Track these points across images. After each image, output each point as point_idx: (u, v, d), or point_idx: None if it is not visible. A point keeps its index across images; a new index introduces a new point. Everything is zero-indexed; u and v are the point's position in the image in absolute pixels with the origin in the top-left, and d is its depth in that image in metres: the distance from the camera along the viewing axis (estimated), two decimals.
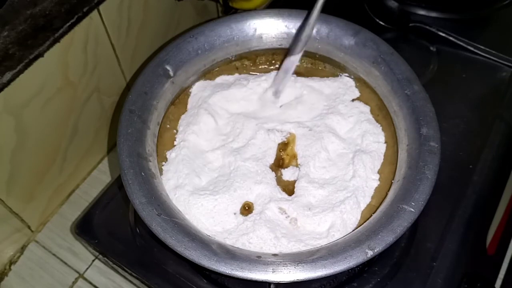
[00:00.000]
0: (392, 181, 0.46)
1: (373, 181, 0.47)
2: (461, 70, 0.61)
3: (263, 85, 0.54)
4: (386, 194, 0.45)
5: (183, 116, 0.53)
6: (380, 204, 0.45)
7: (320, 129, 0.51)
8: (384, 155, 0.49)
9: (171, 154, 0.49)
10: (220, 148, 0.50)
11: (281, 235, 0.44)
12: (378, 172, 0.48)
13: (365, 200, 0.46)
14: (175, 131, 0.52)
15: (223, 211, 0.45)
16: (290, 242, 0.43)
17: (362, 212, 0.46)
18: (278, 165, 0.50)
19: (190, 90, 0.55)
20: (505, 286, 0.53)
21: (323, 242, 0.43)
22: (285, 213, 0.45)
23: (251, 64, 0.57)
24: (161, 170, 0.48)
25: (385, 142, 0.50)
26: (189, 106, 0.54)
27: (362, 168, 0.47)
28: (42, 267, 0.57)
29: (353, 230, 0.44)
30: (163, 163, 0.49)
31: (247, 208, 0.46)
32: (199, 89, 0.55)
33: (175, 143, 0.50)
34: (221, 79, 0.56)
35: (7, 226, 0.55)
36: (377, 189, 0.47)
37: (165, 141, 0.51)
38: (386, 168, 0.48)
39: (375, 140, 0.50)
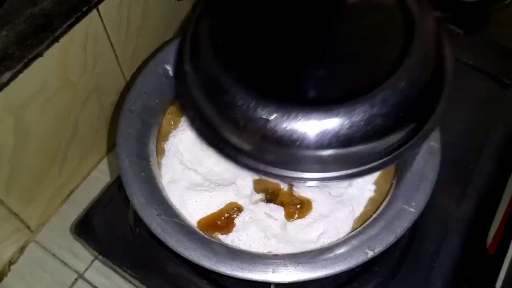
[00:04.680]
0: (388, 191, 0.45)
1: (369, 192, 0.47)
2: (460, 70, 0.60)
3: None
4: (380, 204, 0.45)
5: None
6: (375, 210, 0.44)
7: None
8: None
9: (167, 147, 0.49)
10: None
11: (271, 235, 0.43)
12: (374, 183, 0.47)
13: (359, 208, 0.46)
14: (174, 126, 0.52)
15: (217, 207, 0.45)
16: (280, 243, 0.43)
17: (355, 221, 0.45)
18: None
19: None
20: (506, 287, 0.53)
21: (312, 247, 0.42)
22: (273, 217, 0.45)
23: None
24: (159, 164, 0.48)
25: None
26: None
27: (361, 179, 0.46)
28: (42, 267, 0.57)
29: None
30: (162, 155, 0.49)
31: (236, 208, 0.46)
32: None
33: (171, 135, 0.50)
34: None
35: (7, 226, 0.55)
36: (371, 200, 0.46)
37: (164, 136, 0.51)
38: (382, 179, 0.47)
39: None
